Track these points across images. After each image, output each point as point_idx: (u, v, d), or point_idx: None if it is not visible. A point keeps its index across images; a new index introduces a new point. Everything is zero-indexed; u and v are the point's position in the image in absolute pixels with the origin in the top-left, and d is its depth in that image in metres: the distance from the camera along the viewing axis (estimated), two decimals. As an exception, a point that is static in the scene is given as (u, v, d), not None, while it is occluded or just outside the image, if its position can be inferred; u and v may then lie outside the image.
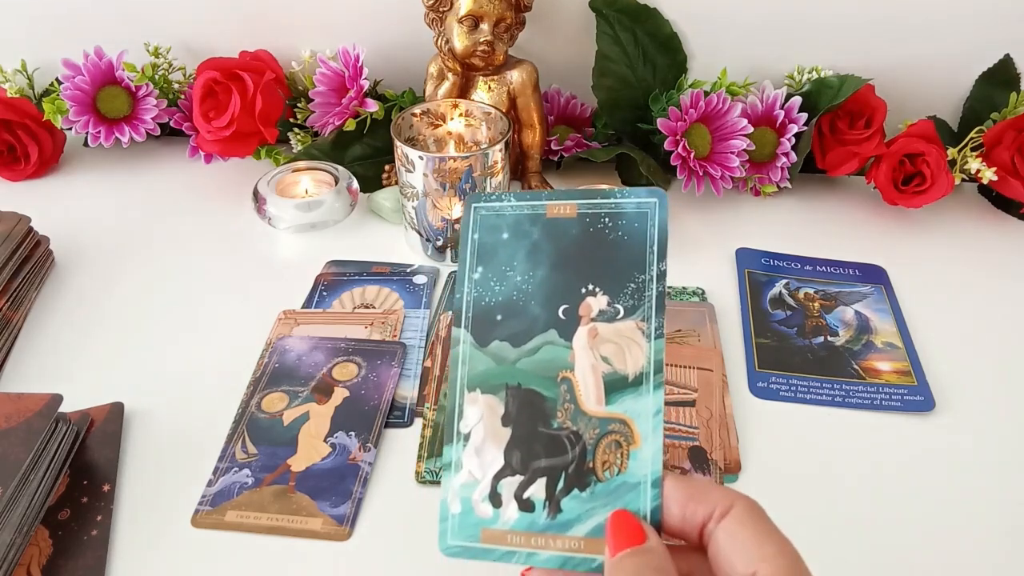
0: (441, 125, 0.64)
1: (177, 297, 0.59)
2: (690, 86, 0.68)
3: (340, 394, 0.50)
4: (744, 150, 0.65)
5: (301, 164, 0.68)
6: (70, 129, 0.71)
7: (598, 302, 0.31)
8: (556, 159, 0.74)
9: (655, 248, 0.31)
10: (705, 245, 0.65)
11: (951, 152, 0.67)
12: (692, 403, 0.49)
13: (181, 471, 0.45)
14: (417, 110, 0.62)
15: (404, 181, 0.59)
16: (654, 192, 0.31)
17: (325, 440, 0.47)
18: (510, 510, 0.30)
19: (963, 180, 0.69)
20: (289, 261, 0.64)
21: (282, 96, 0.72)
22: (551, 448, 0.30)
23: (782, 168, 0.68)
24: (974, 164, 0.66)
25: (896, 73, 0.70)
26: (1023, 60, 0.69)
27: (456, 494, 0.30)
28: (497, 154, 0.58)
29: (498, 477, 0.30)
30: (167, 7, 0.74)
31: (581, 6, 0.69)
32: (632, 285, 0.30)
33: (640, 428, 0.29)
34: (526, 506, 0.30)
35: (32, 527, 0.40)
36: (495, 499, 0.30)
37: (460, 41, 0.63)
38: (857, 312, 0.58)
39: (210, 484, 0.44)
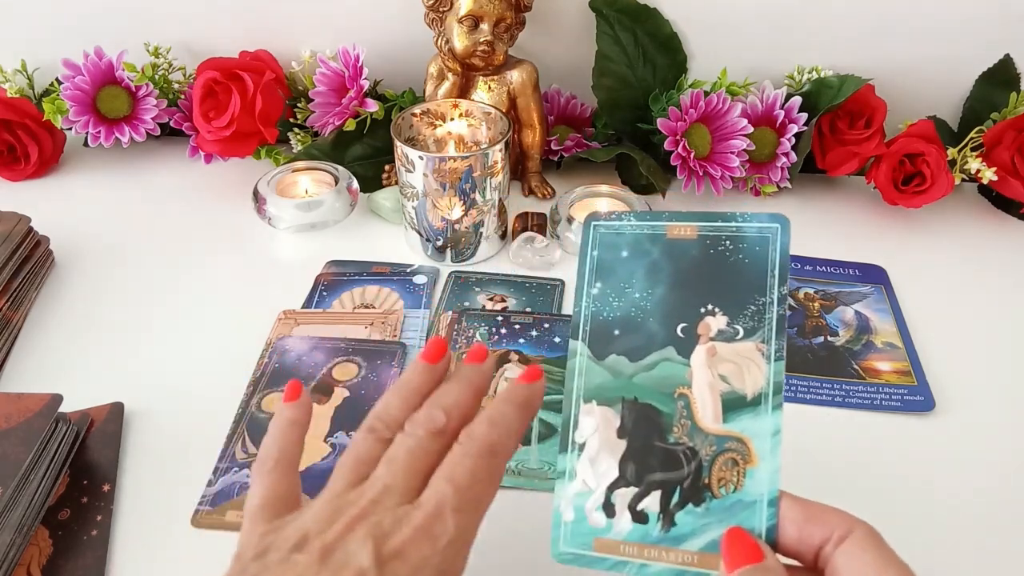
0: (441, 125, 0.64)
1: (177, 297, 0.59)
2: (690, 86, 0.68)
3: (340, 394, 0.50)
4: (744, 150, 0.65)
5: (301, 164, 0.68)
6: (70, 129, 0.71)
7: (717, 322, 0.31)
8: (556, 159, 0.74)
9: (776, 272, 0.31)
10: (705, 245, 0.65)
11: (951, 152, 0.67)
12: (692, 403, 0.49)
13: (181, 471, 0.45)
14: (417, 110, 0.62)
15: (404, 181, 0.59)
16: (776, 218, 0.32)
17: (325, 440, 0.47)
18: (623, 521, 0.30)
19: (963, 180, 0.69)
20: (289, 261, 0.64)
21: (282, 96, 0.72)
22: (666, 462, 0.30)
23: (782, 168, 0.68)
24: (974, 164, 0.66)
25: (896, 73, 0.70)
26: (1023, 60, 0.69)
27: (569, 502, 0.31)
28: (497, 154, 0.58)
29: (612, 488, 0.30)
30: (167, 7, 0.74)
31: (581, 6, 0.69)
32: (752, 307, 0.31)
33: (757, 447, 0.30)
34: (640, 518, 0.30)
35: (32, 527, 0.40)
36: (609, 509, 0.30)
37: (460, 41, 0.63)
38: (857, 312, 0.58)
39: (210, 484, 0.44)
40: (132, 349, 0.54)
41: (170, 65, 0.74)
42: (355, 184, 0.67)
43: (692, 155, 0.64)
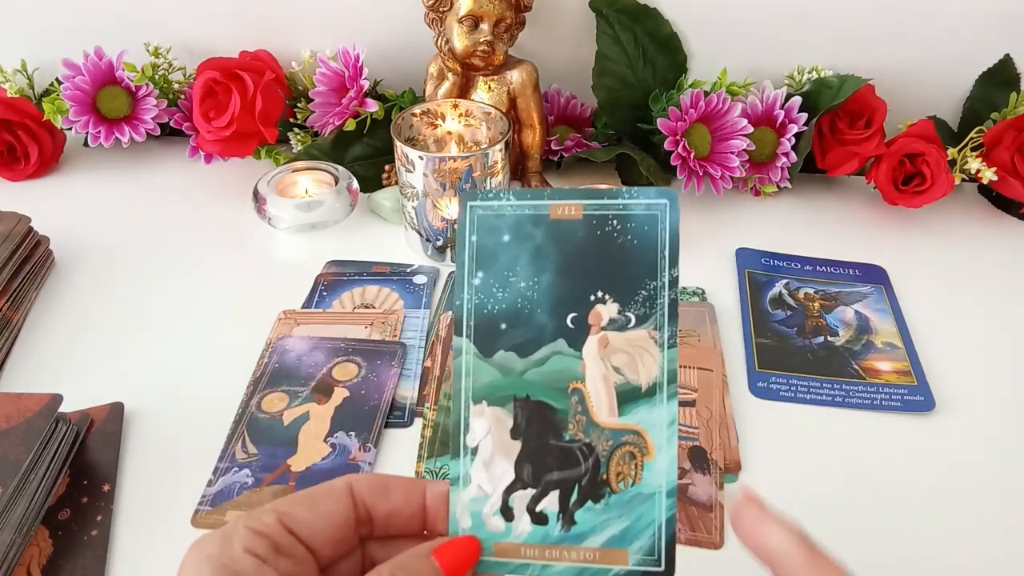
0: (441, 125, 0.64)
1: (177, 297, 0.59)
2: (690, 86, 0.68)
3: (340, 394, 0.50)
4: (744, 150, 0.65)
5: (301, 164, 0.68)
6: (70, 129, 0.71)
7: (608, 310, 0.30)
8: (556, 159, 0.74)
9: (666, 253, 0.30)
10: (705, 245, 0.65)
11: (951, 152, 0.67)
12: (692, 403, 0.49)
13: (181, 471, 0.45)
14: (417, 110, 0.62)
15: (404, 181, 0.59)
16: (664, 193, 0.30)
17: (325, 440, 0.47)
18: (523, 523, 0.29)
19: (963, 180, 0.69)
20: (289, 261, 0.64)
21: (282, 96, 0.72)
22: (563, 461, 0.30)
23: (782, 168, 0.68)
24: (974, 164, 0.66)
25: (896, 73, 0.70)
26: (1023, 60, 0.69)
27: (466, 509, 0.30)
28: (497, 154, 0.58)
29: (509, 491, 0.30)
30: (167, 7, 0.74)
31: (581, 6, 0.69)
32: (643, 292, 0.30)
33: (654, 439, 0.29)
34: (539, 519, 0.29)
35: (32, 527, 0.40)
36: (507, 513, 0.30)
37: (460, 41, 0.63)
38: (857, 312, 0.58)
39: (210, 484, 0.44)
40: (132, 349, 0.54)
41: (170, 65, 0.74)
42: (355, 184, 0.67)
43: (692, 155, 0.64)
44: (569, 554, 0.29)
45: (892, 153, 0.66)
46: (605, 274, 0.30)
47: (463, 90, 0.67)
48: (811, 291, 0.60)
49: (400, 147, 0.57)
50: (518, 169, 0.72)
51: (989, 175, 0.65)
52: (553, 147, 0.73)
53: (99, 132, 0.71)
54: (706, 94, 0.65)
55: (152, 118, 0.72)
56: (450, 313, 0.57)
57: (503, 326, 0.30)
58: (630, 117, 0.70)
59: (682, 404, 0.49)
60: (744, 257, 0.63)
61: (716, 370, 0.51)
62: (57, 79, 0.73)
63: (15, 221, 0.59)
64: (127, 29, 0.73)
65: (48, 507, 0.42)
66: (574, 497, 0.29)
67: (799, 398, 0.51)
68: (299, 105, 0.74)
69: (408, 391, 0.51)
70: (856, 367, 0.53)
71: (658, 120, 0.64)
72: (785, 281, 0.60)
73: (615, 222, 0.30)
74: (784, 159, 0.68)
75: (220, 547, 0.26)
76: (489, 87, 0.66)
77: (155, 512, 0.43)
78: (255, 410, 0.49)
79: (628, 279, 0.30)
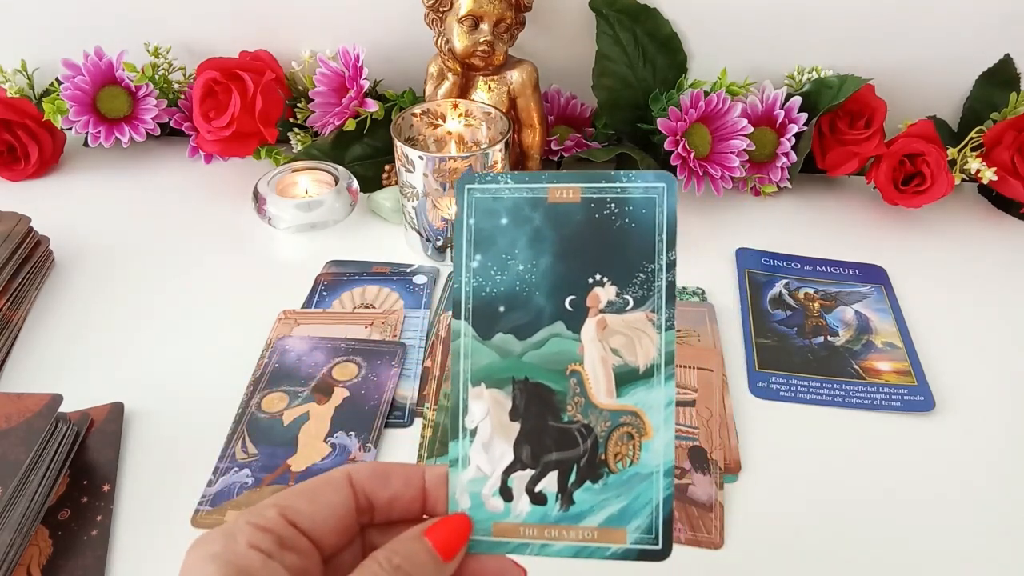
0: (441, 125, 0.64)
1: (177, 297, 0.59)
2: (690, 86, 0.68)
3: (340, 394, 0.50)
4: (744, 150, 0.65)
5: (301, 164, 0.68)
6: (70, 129, 0.71)
7: (606, 293, 0.30)
8: (556, 159, 0.74)
9: (664, 236, 0.30)
10: (705, 245, 0.65)
11: (951, 152, 0.67)
12: (692, 403, 0.49)
13: (181, 471, 0.45)
14: (417, 110, 0.62)
15: (404, 181, 0.59)
16: (662, 176, 0.30)
17: (325, 440, 0.47)
18: (522, 503, 0.30)
19: (963, 180, 0.69)
20: (289, 261, 0.64)
21: (282, 96, 0.72)
22: (562, 442, 0.30)
23: (782, 168, 0.68)
24: (974, 164, 0.66)
25: (896, 73, 0.70)
26: (1023, 60, 0.69)
27: (465, 490, 0.30)
28: (497, 154, 0.58)
29: (508, 472, 0.30)
30: (167, 7, 0.74)
31: (581, 6, 0.69)
32: (641, 275, 0.30)
33: (652, 419, 0.29)
34: (538, 499, 0.30)
35: (32, 527, 0.40)
36: (506, 493, 0.30)
37: (460, 41, 0.63)
38: (857, 312, 0.58)
39: (210, 484, 0.44)
40: (132, 349, 0.54)
41: (170, 65, 0.74)
42: (355, 184, 0.67)
43: (692, 155, 0.64)
44: (568, 533, 0.29)
45: (892, 153, 0.66)
46: (603, 257, 0.30)
47: (463, 90, 0.67)
48: (811, 291, 0.60)
49: (400, 147, 0.57)
50: (518, 169, 0.72)
51: (989, 175, 0.65)
52: (553, 147, 0.73)
53: (99, 132, 0.71)
54: (706, 94, 0.65)
55: (152, 118, 0.72)
56: (450, 313, 0.57)
57: (501, 309, 0.31)
58: (630, 117, 0.70)
59: (682, 404, 0.49)
60: (744, 257, 0.63)
61: (716, 370, 0.51)
62: (57, 79, 0.73)
63: (15, 221, 0.59)
64: (127, 29, 0.73)
65: (48, 507, 0.42)
66: (573, 477, 0.30)
67: (799, 398, 0.51)
68: (299, 105, 0.74)
69: (408, 391, 0.51)
70: (856, 367, 0.53)
71: (658, 120, 0.64)
72: (785, 281, 0.60)
73: (613, 205, 0.30)
74: (784, 159, 0.68)
75: (224, 544, 0.25)
76: (489, 87, 0.66)
77: (155, 512, 0.43)
78: (255, 410, 0.49)
79: (626, 262, 0.30)
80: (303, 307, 0.58)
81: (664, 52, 0.70)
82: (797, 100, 0.67)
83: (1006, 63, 0.69)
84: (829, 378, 0.52)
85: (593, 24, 0.68)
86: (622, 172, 0.30)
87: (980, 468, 0.46)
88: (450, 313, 0.57)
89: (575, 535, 0.29)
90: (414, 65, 0.70)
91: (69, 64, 0.70)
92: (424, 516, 0.30)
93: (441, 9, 0.63)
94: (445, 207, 0.59)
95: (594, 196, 0.30)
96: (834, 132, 0.69)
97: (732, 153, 0.65)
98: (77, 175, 0.75)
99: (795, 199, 0.72)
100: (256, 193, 0.65)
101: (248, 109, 0.68)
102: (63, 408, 0.44)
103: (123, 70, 0.71)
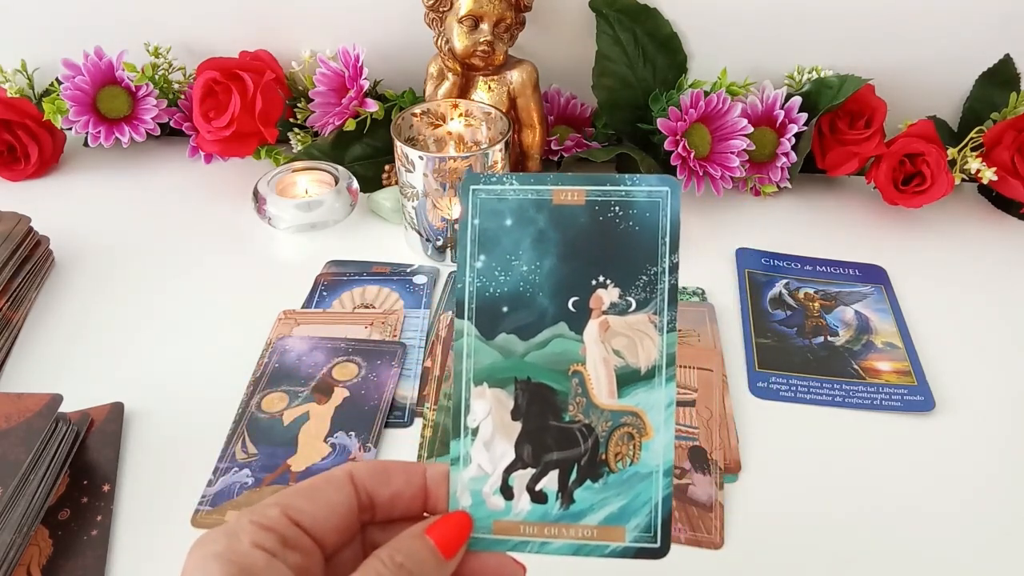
0: (441, 125, 0.64)
1: (177, 297, 0.59)
2: (690, 86, 0.68)
3: (340, 394, 0.50)
4: (744, 150, 0.65)
5: (301, 164, 0.68)
6: (70, 129, 0.71)
7: (609, 295, 0.30)
8: (556, 159, 0.74)
9: (667, 239, 0.30)
10: (705, 245, 0.65)
11: (951, 152, 0.67)
12: (692, 403, 0.49)
13: (181, 471, 0.45)
14: (417, 110, 0.62)
15: (404, 181, 0.59)
16: (665, 180, 0.30)
17: (325, 440, 0.47)
18: (522, 502, 0.30)
19: (963, 180, 0.69)
20: (289, 261, 0.64)
21: (282, 96, 0.72)
22: (563, 441, 0.30)
23: (782, 168, 0.68)
24: (974, 164, 0.66)
25: (896, 73, 0.70)
26: (1023, 60, 0.69)
27: (466, 488, 0.30)
28: (497, 154, 0.58)
29: (509, 470, 0.30)
30: (167, 7, 0.74)
31: (581, 6, 0.69)
32: (644, 277, 0.30)
33: (652, 420, 0.30)
34: (539, 498, 0.30)
35: (32, 527, 0.40)
36: (507, 492, 0.30)
37: (460, 41, 0.63)
38: (857, 312, 0.58)
39: (210, 484, 0.44)
40: (132, 349, 0.54)
41: (170, 65, 0.74)
42: (355, 184, 0.67)
43: (692, 155, 0.64)
44: (568, 531, 0.30)
45: (892, 153, 0.66)
46: (607, 259, 0.30)
47: (463, 90, 0.67)
48: (811, 291, 0.60)
49: (400, 147, 0.57)
50: (518, 169, 0.72)
51: (989, 175, 0.65)
52: (553, 147, 0.73)
53: (99, 132, 0.71)
54: (706, 94, 0.65)
55: (152, 118, 0.72)
56: (450, 313, 0.57)
57: (505, 309, 0.31)
58: (630, 117, 0.70)
59: (682, 404, 0.49)
60: (744, 257, 0.63)
61: (716, 370, 0.51)
62: (57, 79, 0.73)
63: (15, 221, 0.59)
64: (127, 29, 0.73)
65: (48, 507, 0.42)
66: (573, 476, 0.30)
67: (799, 398, 0.51)
68: (299, 105, 0.74)
69: (408, 391, 0.51)
70: (856, 367, 0.53)
71: (658, 120, 0.64)
72: (785, 281, 0.60)
73: (617, 208, 0.31)
74: (784, 159, 0.68)
75: (227, 544, 0.25)
76: (489, 87, 0.66)
77: (155, 512, 0.43)
78: (255, 410, 0.49)
79: (629, 264, 0.30)
80: (303, 307, 0.58)
81: (664, 52, 0.70)
82: (797, 100, 0.67)
83: (1006, 63, 0.69)
84: (829, 378, 0.52)
85: (593, 24, 0.68)
86: (627, 175, 0.31)
87: (980, 468, 0.46)
88: (450, 313, 0.57)
89: (575, 533, 0.30)
90: (414, 65, 0.70)
91: (69, 64, 0.70)
92: (425, 514, 0.30)
93: (441, 9, 0.63)
94: (445, 207, 0.59)
95: (598, 199, 0.31)
96: (834, 132, 0.69)
97: (732, 153, 0.65)
98: (77, 175, 0.75)
99: (795, 199, 0.72)
100: (256, 193, 0.65)
101: (248, 109, 0.68)
102: (63, 408, 0.44)
103: (123, 70, 0.71)
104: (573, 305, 0.31)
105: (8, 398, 0.44)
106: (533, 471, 0.30)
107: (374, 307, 0.58)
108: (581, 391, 0.30)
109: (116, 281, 0.61)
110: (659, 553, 0.29)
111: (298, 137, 0.74)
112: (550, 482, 0.30)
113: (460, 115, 0.63)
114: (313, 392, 0.50)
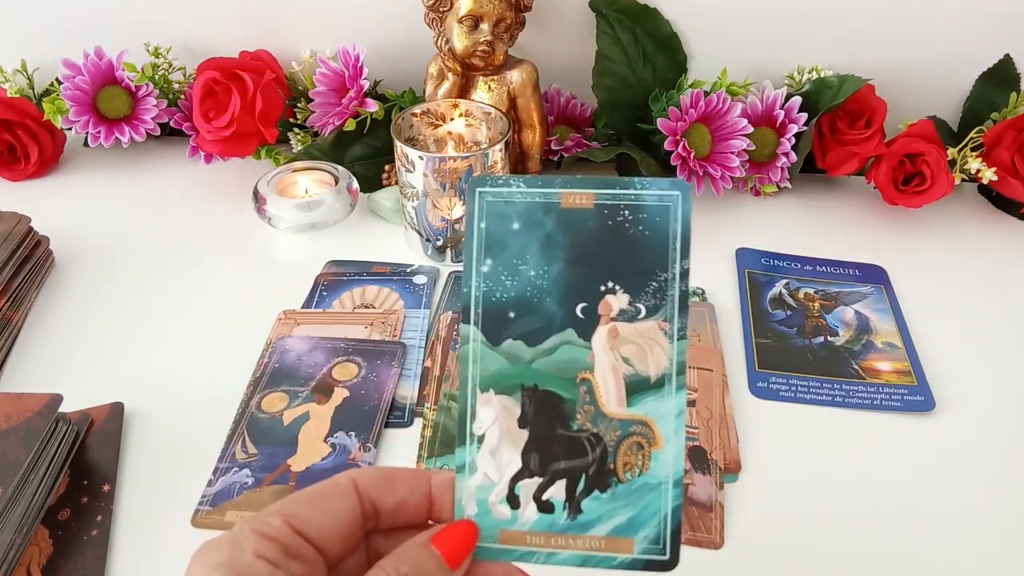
0: (441, 125, 0.64)
1: (177, 297, 0.59)
2: (690, 86, 0.68)
3: (340, 394, 0.50)
4: (744, 150, 0.65)
5: (301, 164, 0.68)
6: (70, 129, 0.71)
7: (618, 301, 0.30)
8: (556, 159, 0.74)
9: (678, 245, 0.30)
10: (705, 245, 0.65)
11: (951, 152, 0.67)
12: (692, 403, 0.49)
13: (181, 471, 0.45)
14: (417, 110, 0.62)
15: (404, 181, 0.59)
16: (677, 184, 0.30)
17: (325, 440, 0.47)
18: (529, 511, 0.29)
19: (963, 180, 0.69)
20: (289, 261, 0.64)
21: (282, 96, 0.72)
22: (571, 450, 0.30)
23: (782, 168, 0.68)
24: (974, 164, 0.66)
25: (896, 73, 0.70)
26: (1023, 60, 0.69)
27: (471, 496, 0.30)
28: (497, 154, 0.58)
29: (516, 479, 0.30)
30: (167, 7, 0.74)
31: (581, 6, 0.69)
32: (654, 284, 0.30)
33: (662, 430, 0.29)
34: (545, 507, 0.29)
35: (32, 527, 0.40)
36: (513, 501, 0.30)
37: (460, 41, 0.63)
38: (857, 312, 0.58)
39: (210, 484, 0.44)
40: (132, 349, 0.54)
41: (170, 65, 0.74)
42: (355, 184, 0.67)
43: (692, 155, 0.64)
44: (575, 542, 0.29)
45: (892, 153, 0.66)
46: (616, 264, 0.30)
47: (463, 90, 0.67)
48: (811, 291, 0.60)
49: (400, 147, 0.57)
50: (518, 169, 0.72)
51: (989, 175, 0.65)
52: (553, 147, 0.73)
53: (99, 132, 0.71)
54: (706, 94, 0.65)
55: (152, 118, 0.72)
56: (450, 313, 0.57)
57: (511, 314, 0.30)
58: (630, 117, 0.70)
59: (682, 404, 0.49)
60: (744, 257, 0.63)
61: (716, 370, 0.52)
62: (57, 79, 0.73)
63: (15, 221, 0.59)
64: (127, 29, 0.73)
65: (48, 507, 0.42)
66: (581, 486, 0.29)
67: (799, 398, 0.51)
68: (299, 105, 0.74)
69: (408, 391, 0.51)
70: (856, 367, 0.53)
71: (658, 120, 0.64)
72: (785, 281, 0.60)
73: (627, 212, 0.30)
74: (784, 159, 0.68)
75: (230, 554, 0.25)
76: (489, 87, 0.66)
77: (155, 512, 0.43)
78: (255, 410, 0.49)
79: (639, 270, 0.30)
80: (303, 307, 0.58)
81: (664, 52, 0.70)
82: (797, 100, 0.67)
83: (1006, 63, 0.69)
84: (829, 378, 0.52)
85: (593, 24, 0.68)
86: (636, 179, 0.30)
87: (980, 468, 0.46)
88: (451, 313, 0.57)
89: (582, 544, 0.29)
90: (414, 65, 0.70)
91: (69, 64, 0.70)
92: (429, 522, 0.30)
93: (441, 9, 0.63)
94: (445, 207, 0.59)
95: (608, 203, 0.30)
96: (834, 132, 0.69)
97: (732, 153, 0.65)
98: (77, 175, 0.75)
99: (795, 199, 0.72)
100: (256, 193, 0.65)
101: (248, 109, 0.68)
102: (63, 408, 0.44)
103: (123, 70, 0.71)
104: (581, 311, 0.30)
105: (8, 398, 0.44)
106: (540, 480, 0.30)
107: (374, 307, 0.58)
108: (589, 399, 0.30)
109: (116, 281, 0.61)
110: (668, 565, 0.29)
111: (298, 137, 0.74)
112: (557, 492, 0.29)
113: (460, 115, 0.63)
114: (313, 392, 0.50)
